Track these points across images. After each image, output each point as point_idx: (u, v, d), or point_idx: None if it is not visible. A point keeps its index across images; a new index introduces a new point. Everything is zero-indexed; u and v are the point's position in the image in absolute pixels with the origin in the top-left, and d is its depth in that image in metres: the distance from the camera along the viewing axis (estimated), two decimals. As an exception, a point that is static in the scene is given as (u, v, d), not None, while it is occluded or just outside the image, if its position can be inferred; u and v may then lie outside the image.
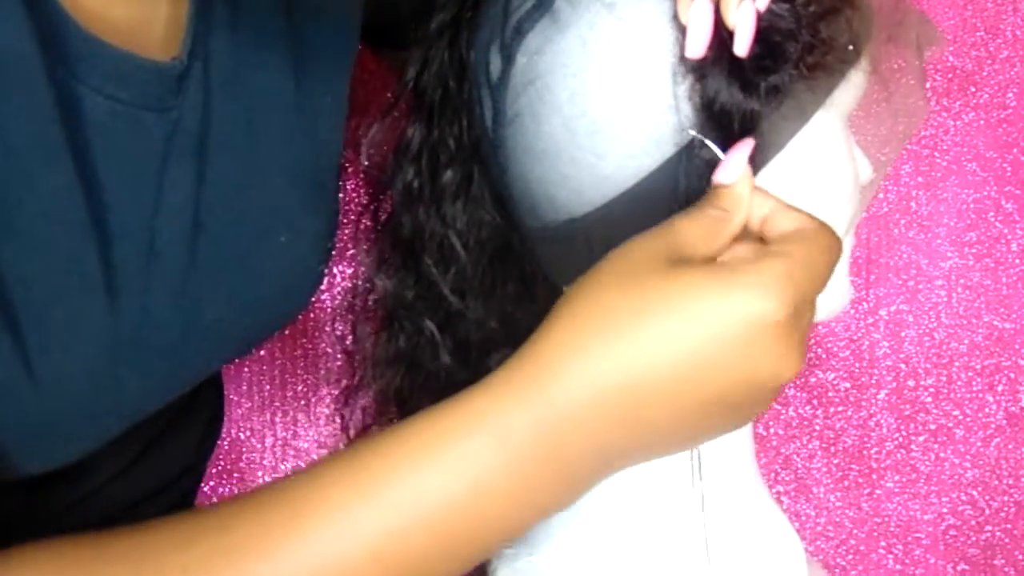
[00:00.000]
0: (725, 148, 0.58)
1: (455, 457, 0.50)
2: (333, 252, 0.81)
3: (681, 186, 0.61)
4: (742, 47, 0.58)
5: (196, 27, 0.65)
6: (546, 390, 0.50)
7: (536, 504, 0.52)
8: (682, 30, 0.59)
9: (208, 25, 0.66)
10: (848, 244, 0.70)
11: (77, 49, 0.58)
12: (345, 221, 1.11)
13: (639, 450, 0.53)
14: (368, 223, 0.75)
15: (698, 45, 0.58)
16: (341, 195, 1.09)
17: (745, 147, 0.56)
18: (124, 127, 0.61)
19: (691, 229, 0.53)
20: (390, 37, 0.85)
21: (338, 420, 1.13)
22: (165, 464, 0.82)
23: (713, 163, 0.58)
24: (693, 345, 0.50)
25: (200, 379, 0.73)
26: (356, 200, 1.10)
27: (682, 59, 0.60)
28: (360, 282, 0.77)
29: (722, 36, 0.58)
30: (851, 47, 0.64)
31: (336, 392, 1.14)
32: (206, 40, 0.66)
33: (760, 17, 0.58)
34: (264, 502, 0.52)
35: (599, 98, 0.62)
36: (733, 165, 0.56)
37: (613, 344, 0.50)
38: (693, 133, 0.60)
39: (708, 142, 0.59)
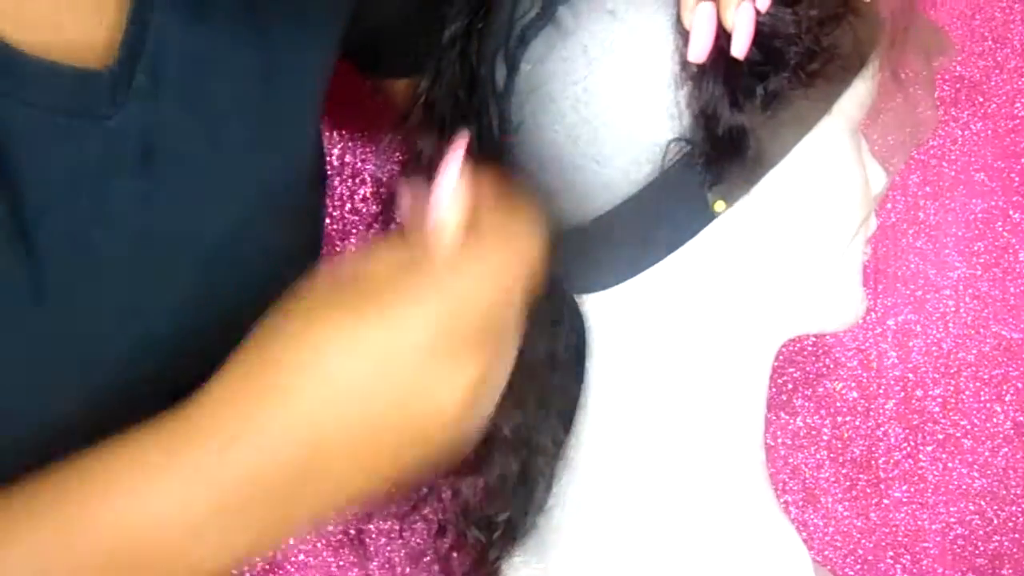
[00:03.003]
0: (723, 154, 0.58)
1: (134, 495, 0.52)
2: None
3: (683, 194, 0.62)
4: (740, 48, 0.58)
5: (133, 34, 0.63)
6: (216, 453, 0.52)
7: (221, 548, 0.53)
8: (683, 36, 0.60)
9: (151, 32, 0.64)
10: (859, 254, 0.70)
11: None
12: (354, 232, 1.11)
13: (325, 501, 0.54)
14: (378, 233, 0.75)
15: (701, 49, 0.58)
16: (350, 206, 1.10)
17: (455, 159, 0.54)
18: (48, 135, 0.60)
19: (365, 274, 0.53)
20: (380, 64, 0.85)
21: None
22: None
23: (714, 170, 0.58)
24: (355, 392, 0.51)
25: (168, 397, 0.72)
26: (366, 211, 1.11)
27: (683, 65, 0.60)
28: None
29: (723, 43, 0.59)
30: (855, 55, 0.64)
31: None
32: (155, 51, 0.64)
33: (760, 21, 0.58)
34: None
35: (601, 106, 0.62)
36: (444, 187, 0.53)
37: (271, 407, 0.52)
38: (692, 139, 0.60)
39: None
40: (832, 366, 1.16)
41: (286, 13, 0.72)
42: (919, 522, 1.18)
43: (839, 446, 1.17)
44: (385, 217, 0.75)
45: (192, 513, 0.51)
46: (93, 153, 0.62)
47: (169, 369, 0.68)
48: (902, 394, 1.17)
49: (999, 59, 1.14)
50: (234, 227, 0.69)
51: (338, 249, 1.06)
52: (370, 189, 1.10)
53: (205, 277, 0.68)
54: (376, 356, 0.51)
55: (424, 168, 0.70)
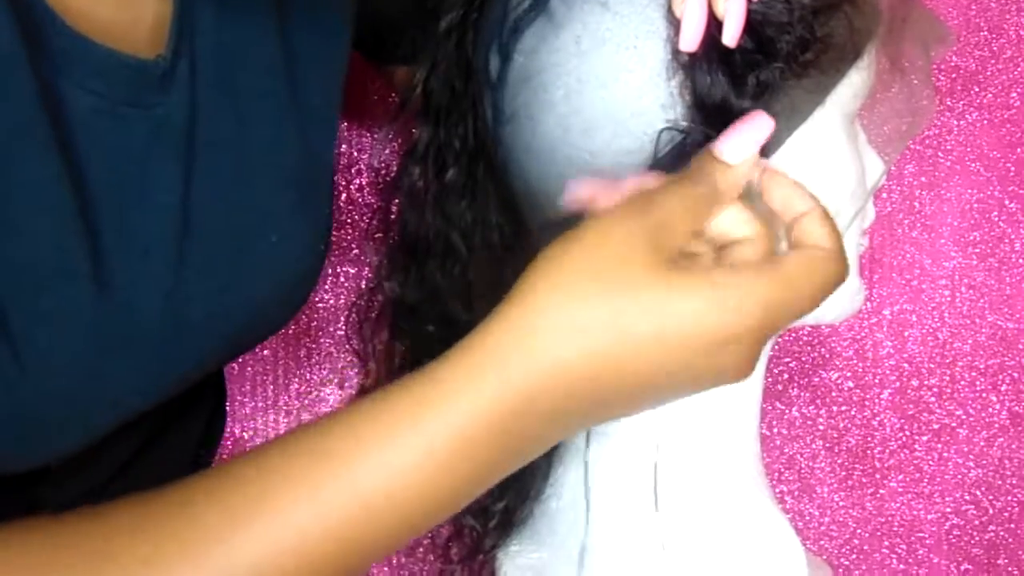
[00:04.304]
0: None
1: (419, 438, 0.49)
2: (331, 255, 0.81)
3: None
4: (731, 36, 0.58)
5: (180, 26, 0.65)
6: (508, 368, 0.50)
7: (490, 477, 0.52)
8: (675, 27, 0.60)
9: (193, 24, 0.66)
10: (857, 245, 0.70)
11: (61, 45, 0.59)
12: (349, 222, 1.11)
13: (584, 425, 0.54)
14: (376, 224, 0.75)
15: (692, 38, 0.58)
16: (346, 195, 1.10)
17: (759, 124, 0.55)
18: (107, 123, 0.61)
19: (673, 207, 0.52)
20: (381, 50, 0.86)
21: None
22: (165, 462, 0.82)
23: None
24: (656, 347, 0.50)
25: (193, 379, 0.73)
26: (361, 201, 1.11)
27: (675, 55, 0.60)
28: (366, 284, 0.77)
29: (715, 32, 0.59)
30: (850, 45, 0.64)
31: (339, 391, 1.14)
32: (192, 39, 0.66)
33: (752, 10, 0.58)
34: (224, 481, 0.51)
35: (593, 96, 0.62)
36: (741, 143, 0.54)
37: (581, 334, 0.50)
38: (685, 126, 0.60)
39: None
40: (828, 356, 1.17)
41: (305, 7, 0.74)
42: (915, 512, 1.18)
43: (835, 436, 1.17)
44: (382, 209, 0.75)
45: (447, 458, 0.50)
46: (139, 140, 0.63)
47: (201, 350, 0.69)
48: (898, 384, 1.17)
49: (995, 49, 1.15)
50: (261, 213, 0.71)
51: (333, 239, 1.06)
52: (366, 179, 1.10)
53: (233, 262, 0.70)
54: (703, 342, 0.50)
55: (419, 161, 0.71)
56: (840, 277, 0.53)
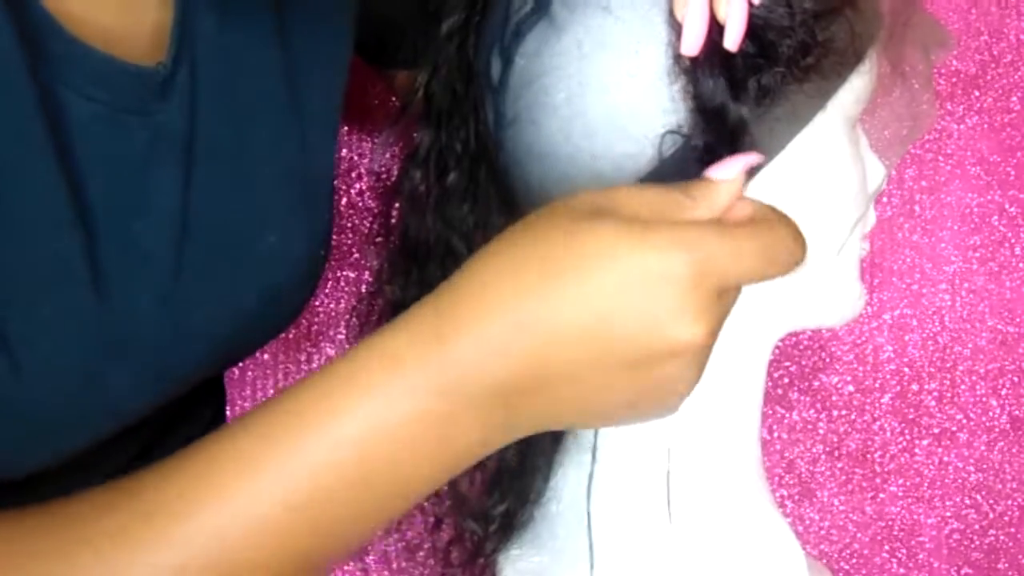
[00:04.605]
0: (717, 148, 0.58)
1: (367, 409, 0.50)
2: (331, 259, 0.81)
3: None
4: (732, 41, 0.58)
5: (180, 33, 0.66)
6: (447, 346, 0.49)
7: (447, 455, 0.51)
8: (677, 30, 0.60)
9: (194, 31, 0.67)
10: (857, 249, 0.70)
11: (60, 51, 0.59)
12: (350, 226, 1.11)
13: (545, 415, 0.52)
14: (376, 227, 0.75)
15: (693, 42, 0.58)
16: (347, 200, 1.10)
17: (750, 157, 0.54)
18: (106, 130, 0.61)
19: (636, 196, 0.51)
20: (382, 54, 0.86)
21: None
22: None
23: (708, 164, 0.57)
24: (596, 299, 0.48)
25: (192, 384, 0.73)
26: (362, 205, 1.11)
27: (677, 59, 0.60)
28: (366, 288, 0.77)
29: (716, 36, 0.59)
30: (851, 50, 0.64)
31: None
32: (193, 46, 0.66)
33: (754, 14, 0.58)
34: (179, 463, 0.52)
35: (594, 100, 0.62)
36: (730, 167, 0.53)
37: (518, 301, 0.49)
38: (687, 131, 0.60)
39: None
40: (828, 360, 1.17)
41: (305, 10, 0.74)
42: (915, 516, 1.18)
43: (835, 440, 1.17)
44: (382, 213, 0.75)
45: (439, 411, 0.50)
46: (139, 147, 0.63)
47: (199, 355, 0.69)
48: (898, 388, 1.17)
49: (995, 53, 1.15)
50: (260, 218, 0.71)
51: (333, 243, 1.06)
52: (366, 183, 1.10)
53: (232, 267, 0.70)
54: (631, 277, 0.48)
55: (420, 164, 0.71)
56: (791, 237, 0.52)
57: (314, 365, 1.14)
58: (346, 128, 1.10)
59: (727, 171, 0.53)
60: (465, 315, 0.50)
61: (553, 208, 0.51)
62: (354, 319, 0.78)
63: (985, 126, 1.15)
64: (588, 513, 0.70)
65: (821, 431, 1.17)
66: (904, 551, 1.18)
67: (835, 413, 1.17)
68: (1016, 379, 1.17)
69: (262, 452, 0.50)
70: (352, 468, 0.50)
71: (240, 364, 1.11)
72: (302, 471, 0.50)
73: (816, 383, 1.17)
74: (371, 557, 1.09)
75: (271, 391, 1.14)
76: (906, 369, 1.17)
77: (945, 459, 1.18)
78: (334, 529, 0.51)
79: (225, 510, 0.50)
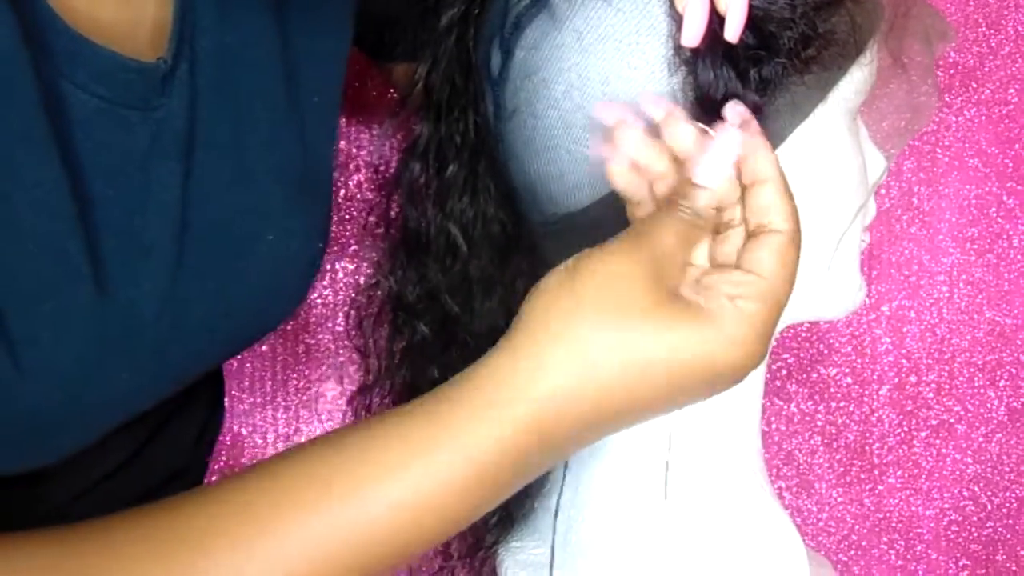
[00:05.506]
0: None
1: (458, 445, 0.51)
2: (329, 251, 0.81)
3: None
4: (733, 33, 0.58)
5: (180, 29, 0.66)
6: (520, 404, 0.51)
7: (499, 497, 0.53)
8: (677, 22, 0.60)
9: (194, 26, 0.67)
10: (857, 241, 0.70)
11: (63, 47, 0.59)
12: (348, 218, 1.11)
13: (589, 444, 0.55)
14: (374, 220, 0.75)
15: (694, 33, 0.58)
16: (344, 192, 1.10)
17: (727, 140, 0.55)
18: (108, 125, 0.61)
19: (667, 241, 0.53)
20: (381, 47, 0.86)
21: (339, 415, 1.13)
22: (164, 459, 0.82)
23: None
24: (663, 377, 0.52)
25: (192, 377, 0.73)
26: (360, 197, 1.11)
27: (677, 51, 0.60)
28: (364, 280, 0.77)
29: (716, 28, 0.58)
30: (852, 41, 0.64)
31: (338, 387, 1.14)
32: (193, 41, 0.66)
33: (754, 6, 0.58)
34: (248, 487, 0.52)
35: (594, 92, 0.62)
36: (714, 165, 0.54)
37: (591, 367, 0.51)
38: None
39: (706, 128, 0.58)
40: (826, 352, 1.17)
41: (305, 6, 0.74)
42: (913, 508, 1.18)
43: (833, 432, 1.18)
44: (380, 205, 0.75)
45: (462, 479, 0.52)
46: (140, 142, 0.63)
47: (199, 349, 0.70)
48: (896, 380, 1.17)
49: (993, 45, 1.15)
50: (259, 212, 0.71)
51: (332, 235, 1.06)
52: (364, 175, 1.10)
53: (231, 261, 0.70)
54: (639, 365, 0.51)
55: (419, 156, 0.71)
56: (797, 253, 0.55)
57: (312, 357, 1.14)
58: (344, 120, 1.10)
59: (712, 171, 0.54)
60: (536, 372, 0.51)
61: (608, 280, 0.52)
62: (353, 311, 0.79)
63: (983, 118, 1.15)
64: (589, 505, 0.70)
65: (819, 423, 1.17)
66: (902, 542, 1.19)
67: (833, 405, 1.17)
68: (1014, 371, 1.17)
69: (363, 480, 0.51)
70: (441, 497, 0.51)
71: (238, 356, 1.11)
72: (398, 501, 0.51)
73: (814, 375, 1.17)
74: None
75: (269, 383, 1.14)
76: (904, 361, 1.17)
77: (943, 451, 1.18)
78: (383, 561, 0.52)
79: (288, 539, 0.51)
